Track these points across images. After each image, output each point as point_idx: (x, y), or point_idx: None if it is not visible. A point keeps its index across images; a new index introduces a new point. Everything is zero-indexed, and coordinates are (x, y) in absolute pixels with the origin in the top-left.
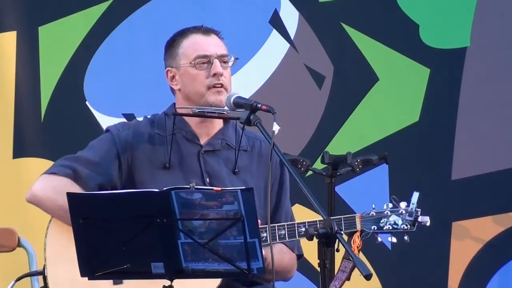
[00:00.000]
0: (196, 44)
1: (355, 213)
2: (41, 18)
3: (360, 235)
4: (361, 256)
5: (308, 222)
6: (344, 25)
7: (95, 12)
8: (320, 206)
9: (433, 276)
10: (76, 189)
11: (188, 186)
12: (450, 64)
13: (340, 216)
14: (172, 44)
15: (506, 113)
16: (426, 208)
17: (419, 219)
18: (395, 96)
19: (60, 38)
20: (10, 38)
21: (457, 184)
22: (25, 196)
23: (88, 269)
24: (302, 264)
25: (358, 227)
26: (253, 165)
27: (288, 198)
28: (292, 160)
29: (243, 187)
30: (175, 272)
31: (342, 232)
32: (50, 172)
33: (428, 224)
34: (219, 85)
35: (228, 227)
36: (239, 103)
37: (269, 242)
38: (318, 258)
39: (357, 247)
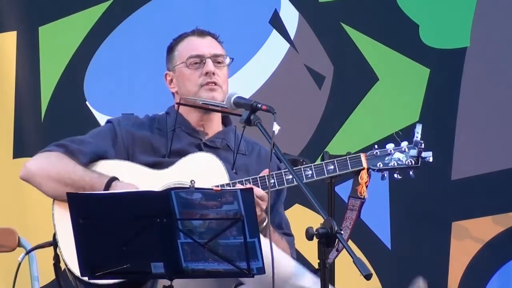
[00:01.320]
0: (190, 45)
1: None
2: (41, 18)
3: (367, 172)
4: (361, 256)
5: (304, 167)
6: (344, 25)
7: (95, 12)
8: (320, 206)
9: (433, 276)
10: (71, 162)
11: (188, 186)
12: (450, 64)
13: (346, 156)
14: (170, 49)
15: (506, 113)
16: (426, 208)
17: (422, 154)
18: (395, 96)
19: (60, 38)
20: (10, 38)
21: (457, 184)
22: (19, 174)
23: (88, 269)
24: (302, 264)
25: (364, 164)
26: (251, 167)
27: (282, 205)
28: (292, 160)
29: (243, 187)
30: (175, 272)
31: (342, 232)
32: (43, 150)
33: (431, 160)
34: (212, 83)
35: (228, 227)
36: (239, 103)
37: (270, 241)
38: (318, 258)
39: (365, 183)
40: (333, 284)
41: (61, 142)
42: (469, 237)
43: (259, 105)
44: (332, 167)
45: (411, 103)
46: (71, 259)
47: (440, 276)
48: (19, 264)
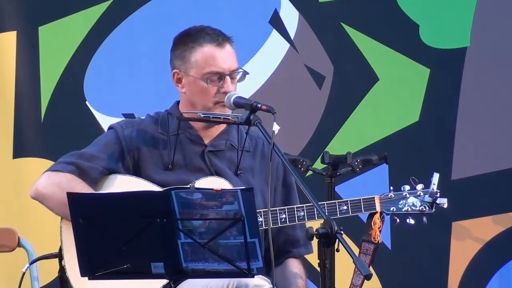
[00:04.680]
0: (211, 59)
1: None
2: (41, 18)
3: (380, 216)
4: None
5: (307, 205)
6: (344, 25)
7: (95, 12)
8: (320, 206)
9: (433, 276)
10: (81, 184)
11: (188, 186)
12: (450, 64)
13: (359, 198)
14: (183, 47)
15: (506, 113)
16: None
17: (437, 200)
18: (395, 96)
19: (60, 38)
20: (10, 38)
21: (457, 184)
22: (29, 192)
23: (88, 269)
24: (302, 264)
25: (378, 208)
26: (256, 166)
27: (296, 197)
28: (292, 160)
29: (243, 187)
30: (175, 272)
31: (342, 232)
32: (54, 169)
33: (445, 206)
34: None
35: (228, 227)
36: (239, 103)
37: (270, 241)
38: (318, 258)
39: (378, 228)
40: (333, 285)
41: (69, 159)
42: (469, 237)
43: (259, 105)
44: (345, 207)
45: (411, 103)
46: (74, 276)
47: (440, 276)
48: (23, 273)
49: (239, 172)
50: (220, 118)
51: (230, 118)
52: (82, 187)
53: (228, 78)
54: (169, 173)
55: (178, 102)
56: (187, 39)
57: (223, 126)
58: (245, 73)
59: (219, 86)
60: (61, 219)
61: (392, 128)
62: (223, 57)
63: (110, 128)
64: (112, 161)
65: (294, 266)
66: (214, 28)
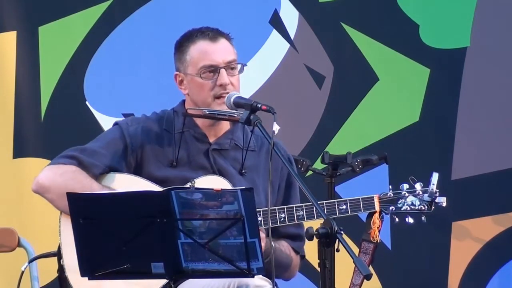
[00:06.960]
0: (203, 53)
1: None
2: (41, 18)
3: (379, 216)
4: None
5: (306, 205)
6: (344, 25)
7: (95, 12)
8: (320, 206)
9: (433, 276)
10: (83, 175)
11: (188, 186)
12: (450, 64)
13: (358, 197)
14: (180, 49)
15: (506, 113)
16: None
17: (436, 199)
18: (395, 96)
19: (60, 38)
20: (10, 38)
21: (457, 184)
22: (31, 187)
23: (88, 269)
24: (302, 264)
25: (377, 207)
26: (260, 165)
27: (298, 198)
28: None
29: (243, 187)
30: (175, 272)
31: (342, 232)
32: (55, 163)
33: (444, 204)
34: (226, 95)
35: (228, 227)
36: (239, 103)
37: (269, 242)
38: (318, 258)
39: (377, 227)
40: (333, 285)
41: (71, 153)
42: (469, 237)
43: (259, 105)
44: (344, 207)
45: (411, 103)
46: (73, 275)
47: (440, 276)
48: (22, 272)
49: (243, 171)
50: (225, 115)
51: (235, 115)
52: (85, 177)
53: (223, 70)
54: (171, 169)
55: (184, 101)
56: (183, 40)
57: (228, 125)
58: (243, 65)
59: (216, 79)
60: (60, 216)
61: (392, 128)
62: (216, 49)
63: (115, 124)
64: (115, 159)
65: (283, 243)
66: (212, 27)
